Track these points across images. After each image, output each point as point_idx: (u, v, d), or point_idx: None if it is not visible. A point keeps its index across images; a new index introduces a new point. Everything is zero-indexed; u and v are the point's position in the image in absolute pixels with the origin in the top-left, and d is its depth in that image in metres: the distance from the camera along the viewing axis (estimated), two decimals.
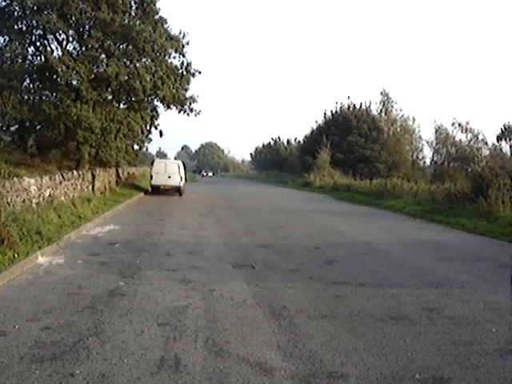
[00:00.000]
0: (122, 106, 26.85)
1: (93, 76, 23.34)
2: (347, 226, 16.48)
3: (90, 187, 22.14)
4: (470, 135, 48.57)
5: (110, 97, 26.11)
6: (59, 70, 21.72)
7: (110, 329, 5.79)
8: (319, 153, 47.43)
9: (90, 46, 23.37)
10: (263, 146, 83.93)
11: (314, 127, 56.10)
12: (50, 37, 23.89)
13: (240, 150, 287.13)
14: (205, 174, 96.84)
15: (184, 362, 4.89)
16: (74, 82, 23.03)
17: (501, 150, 42.98)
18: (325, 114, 54.84)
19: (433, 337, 5.79)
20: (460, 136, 49.10)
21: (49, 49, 23.97)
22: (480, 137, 48.19)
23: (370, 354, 5.23)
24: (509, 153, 41.31)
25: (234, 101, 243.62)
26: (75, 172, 19.84)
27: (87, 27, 23.78)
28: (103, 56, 24.16)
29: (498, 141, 44.53)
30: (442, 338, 5.75)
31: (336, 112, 53.30)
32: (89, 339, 5.43)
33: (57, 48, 24.18)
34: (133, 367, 4.75)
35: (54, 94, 23.30)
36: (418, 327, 6.12)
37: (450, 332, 5.97)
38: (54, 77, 22.70)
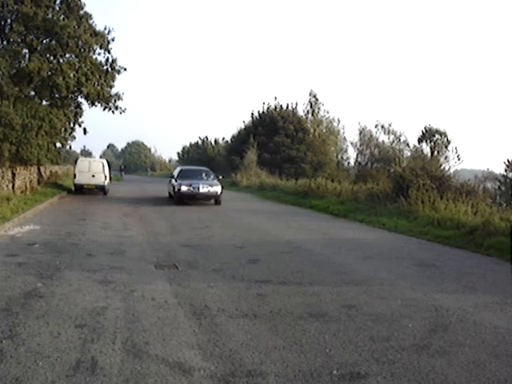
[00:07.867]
0: (44, 102, 26.17)
1: (14, 71, 22.66)
2: (272, 225, 16.60)
3: (10, 186, 21.40)
4: (392, 137, 49.91)
5: (32, 93, 25.39)
6: None
7: (25, 331, 5.59)
8: (246, 153, 47.58)
9: (11, 40, 22.73)
10: (190, 145, 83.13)
11: (242, 127, 56.13)
12: None
13: (167, 148, 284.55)
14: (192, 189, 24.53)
15: (101, 364, 4.77)
16: None
17: (422, 151, 44.22)
18: (252, 114, 54.93)
19: (351, 333, 5.90)
20: (383, 137, 50.33)
21: None
22: (402, 138, 49.64)
23: (290, 352, 5.27)
24: (429, 154, 42.65)
25: (161, 99, 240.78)
26: None
27: (9, 21, 23.09)
28: (25, 51, 23.57)
29: (419, 142, 45.92)
30: (360, 335, 5.87)
31: (263, 112, 53.47)
32: (2, 342, 5.24)
33: None
34: (48, 370, 4.60)
35: None
36: (337, 324, 6.23)
37: (368, 328, 6.11)
38: None
